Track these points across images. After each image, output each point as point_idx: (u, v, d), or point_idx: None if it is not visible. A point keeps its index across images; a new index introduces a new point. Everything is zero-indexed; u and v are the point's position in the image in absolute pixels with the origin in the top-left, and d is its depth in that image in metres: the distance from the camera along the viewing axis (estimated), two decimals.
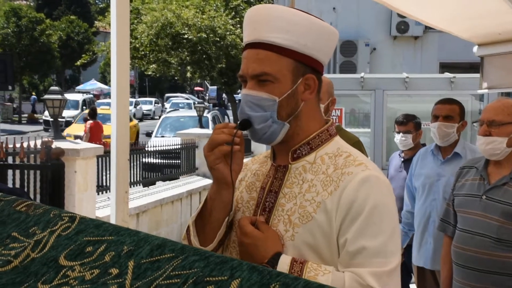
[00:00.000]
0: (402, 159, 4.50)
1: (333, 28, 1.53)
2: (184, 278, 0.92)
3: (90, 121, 13.19)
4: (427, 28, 13.24)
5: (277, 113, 1.46)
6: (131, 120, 13.87)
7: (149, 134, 17.10)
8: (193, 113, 15.87)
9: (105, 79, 44.54)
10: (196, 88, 54.15)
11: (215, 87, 41.44)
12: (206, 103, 28.34)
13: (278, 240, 1.42)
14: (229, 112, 25.81)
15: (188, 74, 21.09)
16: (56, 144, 5.74)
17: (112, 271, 0.99)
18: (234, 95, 22.94)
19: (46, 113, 16.46)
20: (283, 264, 1.37)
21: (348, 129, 4.92)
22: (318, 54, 1.49)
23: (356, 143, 2.85)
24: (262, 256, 1.40)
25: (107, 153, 7.14)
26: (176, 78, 24.10)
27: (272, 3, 12.38)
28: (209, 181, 9.88)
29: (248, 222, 1.46)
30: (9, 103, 33.99)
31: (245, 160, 1.58)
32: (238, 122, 1.49)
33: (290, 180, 1.48)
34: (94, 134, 12.68)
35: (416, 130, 4.41)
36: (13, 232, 1.15)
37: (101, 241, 1.06)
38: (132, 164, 8.55)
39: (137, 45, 18.90)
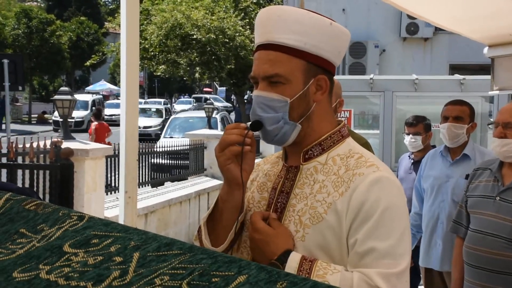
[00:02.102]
0: (412, 161, 4.47)
1: (345, 29, 1.52)
2: (190, 270, 0.92)
3: (95, 122, 13.07)
4: (437, 30, 13.19)
5: (289, 114, 1.45)
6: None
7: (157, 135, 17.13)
8: (202, 114, 15.86)
9: (114, 80, 44.74)
10: (205, 89, 54.24)
11: (224, 88, 41.52)
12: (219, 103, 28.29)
13: (289, 237, 1.42)
14: None
15: (197, 75, 21.11)
16: (65, 144, 5.77)
17: (116, 259, 0.98)
18: (245, 96, 22.93)
19: (56, 113, 16.60)
20: (293, 262, 1.36)
21: (357, 131, 4.90)
22: (329, 55, 1.48)
23: (364, 145, 2.83)
24: (272, 252, 1.39)
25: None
26: (185, 78, 24.13)
27: (282, 5, 12.35)
28: (217, 182, 9.89)
29: (260, 218, 1.45)
30: (18, 104, 34.15)
31: (257, 160, 1.57)
32: (250, 123, 1.49)
33: (302, 180, 1.48)
34: (100, 135, 12.62)
35: (426, 131, 4.39)
36: (21, 229, 1.15)
37: (108, 235, 1.06)
38: (140, 165, 8.56)
39: (147, 46, 18.96)
